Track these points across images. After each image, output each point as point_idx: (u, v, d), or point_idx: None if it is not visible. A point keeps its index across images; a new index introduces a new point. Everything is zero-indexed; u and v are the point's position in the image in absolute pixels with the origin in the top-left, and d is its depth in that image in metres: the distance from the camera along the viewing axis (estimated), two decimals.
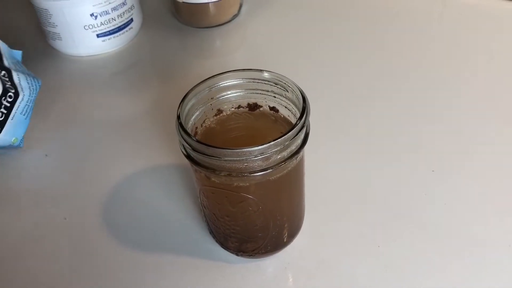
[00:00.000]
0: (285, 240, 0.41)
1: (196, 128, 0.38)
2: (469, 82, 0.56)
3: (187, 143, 0.34)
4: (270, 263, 0.41)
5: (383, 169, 0.48)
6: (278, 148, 0.33)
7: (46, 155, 0.53)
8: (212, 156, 0.33)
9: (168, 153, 0.51)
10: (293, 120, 0.38)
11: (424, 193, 0.45)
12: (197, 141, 0.33)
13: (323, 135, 0.48)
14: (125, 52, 0.65)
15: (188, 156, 0.35)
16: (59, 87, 0.61)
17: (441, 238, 0.42)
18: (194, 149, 0.34)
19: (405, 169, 0.47)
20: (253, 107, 0.40)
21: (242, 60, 0.65)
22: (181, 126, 0.34)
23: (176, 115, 0.35)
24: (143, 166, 0.50)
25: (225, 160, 0.33)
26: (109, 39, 0.64)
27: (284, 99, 0.39)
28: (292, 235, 0.41)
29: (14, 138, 0.51)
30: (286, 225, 0.39)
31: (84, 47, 0.64)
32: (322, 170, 0.47)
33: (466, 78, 0.57)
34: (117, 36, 0.64)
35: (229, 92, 0.39)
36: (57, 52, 0.66)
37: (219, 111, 0.40)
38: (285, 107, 0.39)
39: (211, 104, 0.39)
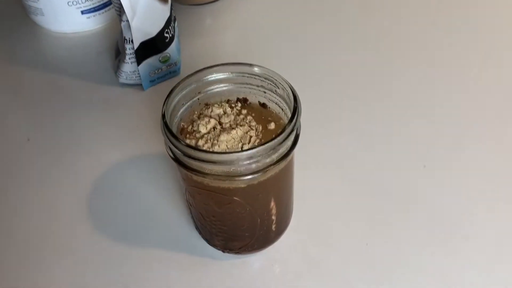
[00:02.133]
0: (272, 238, 0.40)
1: (183, 125, 0.37)
2: (463, 77, 0.55)
3: (173, 145, 0.33)
4: (257, 260, 0.41)
5: (374, 165, 0.47)
6: (267, 152, 0.32)
7: (28, 139, 0.51)
8: (199, 159, 0.32)
9: (156, 141, 0.49)
10: (284, 117, 0.37)
11: (414, 189, 0.45)
12: (186, 144, 0.32)
13: (313, 130, 0.46)
14: (111, 30, 0.63)
15: (175, 159, 0.34)
16: (41, 65, 0.59)
17: (431, 236, 0.41)
18: (180, 151, 0.33)
19: (396, 164, 0.47)
20: (243, 102, 0.38)
21: (232, 40, 0.63)
22: (166, 126, 0.33)
23: (161, 113, 0.34)
24: (129, 154, 0.49)
25: (212, 163, 0.32)
26: (94, 15, 0.61)
27: (274, 95, 0.37)
28: (280, 233, 0.41)
29: (178, 58, 0.55)
30: (273, 225, 0.39)
31: (68, 23, 0.61)
32: (311, 166, 0.46)
33: (460, 73, 0.55)
34: (103, 12, 0.62)
35: (217, 86, 0.38)
36: (39, 28, 0.63)
37: (207, 106, 0.38)
38: (276, 103, 0.37)
39: (198, 99, 0.38)
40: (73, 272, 0.41)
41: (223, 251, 0.40)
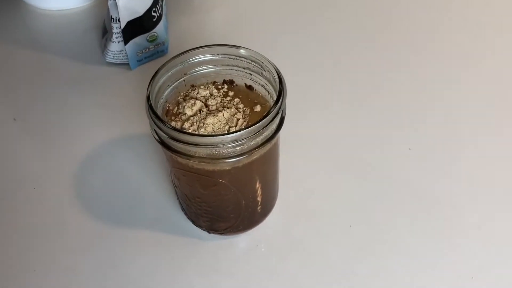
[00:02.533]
0: (257, 219, 0.41)
1: (169, 106, 0.37)
2: (449, 62, 0.55)
3: (158, 127, 0.33)
4: (242, 240, 0.41)
5: (359, 148, 0.47)
6: (252, 135, 0.32)
7: (15, 119, 0.51)
8: (184, 142, 0.32)
9: (142, 121, 0.48)
10: (270, 100, 0.37)
11: (400, 173, 0.45)
12: (171, 127, 0.32)
13: (299, 113, 0.46)
14: (98, 7, 0.62)
15: (160, 141, 0.34)
16: (28, 43, 0.58)
17: (414, 219, 0.42)
18: (165, 133, 0.33)
19: (382, 146, 0.47)
20: (229, 84, 0.38)
21: (221, 19, 0.62)
22: (151, 108, 0.33)
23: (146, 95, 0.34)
24: (115, 134, 0.49)
25: (197, 146, 0.32)
26: None
27: (261, 77, 0.37)
28: (265, 214, 0.41)
29: (166, 37, 0.55)
30: (259, 206, 0.39)
31: (55, 0, 0.60)
32: (297, 149, 0.46)
33: (447, 58, 0.55)
34: None
35: (203, 67, 0.38)
36: (26, 4, 0.62)
37: (193, 87, 0.38)
38: (262, 86, 0.37)
39: (184, 80, 0.38)
40: (59, 253, 0.41)
41: (209, 232, 0.41)
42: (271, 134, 0.34)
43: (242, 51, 0.37)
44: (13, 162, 0.47)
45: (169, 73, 0.36)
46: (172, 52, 0.56)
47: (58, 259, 0.41)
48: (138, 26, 0.51)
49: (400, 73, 0.54)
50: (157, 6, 0.52)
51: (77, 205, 0.44)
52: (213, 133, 0.34)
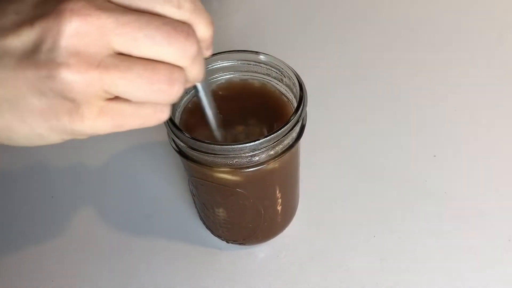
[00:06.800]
0: (277, 229, 0.40)
1: (186, 114, 0.36)
2: (476, 66, 0.53)
3: (176, 136, 0.32)
4: (262, 251, 0.40)
5: (383, 156, 0.45)
6: (271, 143, 0.31)
7: None
8: (202, 151, 0.31)
9: (161, 127, 0.48)
10: (289, 107, 0.36)
11: (424, 180, 0.43)
12: (189, 137, 0.31)
13: (321, 119, 0.45)
14: None
15: (177, 151, 0.33)
16: None
17: (439, 231, 0.40)
18: (183, 142, 0.32)
19: (406, 153, 0.45)
20: None
21: (239, 25, 0.61)
22: (170, 119, 0.32)
23: None
24: (135, 142, 0.48)
25: (215, 155, 0.31)
26: None
27: (281, 84, 0.36)
28: (285, 224, 0.40)
29: None
30: (278, 216, 0.38)
31: None
32: (318, 157, 0.45)
33: (474, 62, 0.54)
34: None
35: (222, 74, 0.37)
36: None
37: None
38: (282, 93, 0.36)
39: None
40: (77, 261, 0.41)
41: (227, 242, 0.40)
42: (291, 143, 0.33)
43: (261, 57, 0.36)
44: (31, 170, 0.47)
45: None
46: None
47: (75, 269, 0.40)
48: None
49: (427, 81, 0.52)
50: None
51: (94, 213, 0.43)
52: (231, 142, 0.33)
